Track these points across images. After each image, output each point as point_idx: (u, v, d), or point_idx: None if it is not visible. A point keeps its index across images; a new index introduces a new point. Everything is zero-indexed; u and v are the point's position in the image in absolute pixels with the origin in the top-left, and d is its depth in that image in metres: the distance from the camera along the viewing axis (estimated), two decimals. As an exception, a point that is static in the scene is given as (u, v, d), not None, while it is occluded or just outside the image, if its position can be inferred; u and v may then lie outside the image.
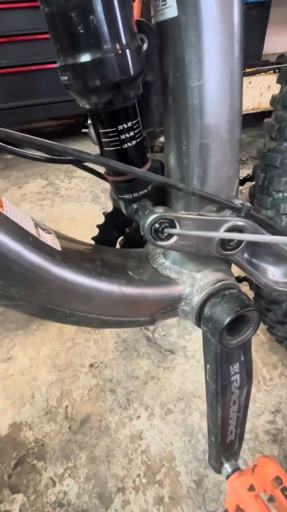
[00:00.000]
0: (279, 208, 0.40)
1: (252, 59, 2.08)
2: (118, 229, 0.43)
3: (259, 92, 1.85)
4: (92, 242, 0.43)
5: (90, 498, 0.64)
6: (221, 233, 0.31)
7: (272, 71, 1.87)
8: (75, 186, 1.81)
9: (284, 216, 0.40)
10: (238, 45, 0.29)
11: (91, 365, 0.88)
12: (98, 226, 0.43)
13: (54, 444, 0.72)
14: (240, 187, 0.55)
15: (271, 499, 0.38)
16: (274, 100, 0.41)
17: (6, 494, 0.65)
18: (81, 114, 2.24)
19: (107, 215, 0.42)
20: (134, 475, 0.67)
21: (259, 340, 0.90)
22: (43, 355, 0.91)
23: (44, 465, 0.69)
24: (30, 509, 0.63)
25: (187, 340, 0.93)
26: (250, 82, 1.80)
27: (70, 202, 1.66)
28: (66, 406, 0.79)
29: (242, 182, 0.48)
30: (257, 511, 0.39)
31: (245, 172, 1.04)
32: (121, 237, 0.44)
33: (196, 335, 0.94)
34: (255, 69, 1.97)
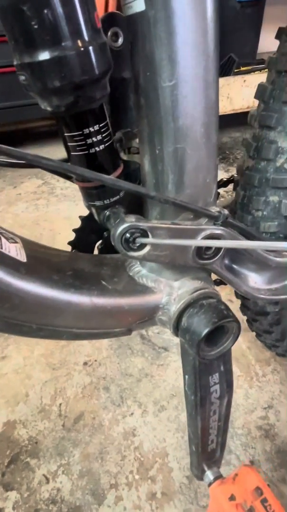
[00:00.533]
0: (259, 226, 0.38)
1: (247, 57, 2.04)
2: (95, 234, 0.42)
3: (253, 90, 1.79)
4: (69, 248, 0.41)
5: (83, 495, 0.65)
6: (195, 241, 0.30)
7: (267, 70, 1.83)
8: (71, 186, 1.78)
9: (264, 234, 0.39)
10: (212, 43, 0.26)
11: (85, 363, 0.88)
12: (75, 230, 0.41)
13: (48, 441, 0.73)
14: (224, 189, 0.53)
15: (251, 510, 0.38)
16: (251, 117, 0.39)
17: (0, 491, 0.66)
18: None
19: (84, 219, 0.41)
20: (127, 471, 0.68)
21: (252, 337, 0.89)
22: (38, 354, 0.92)
23: (37, 463, 0.70)
24: (24, 506, 0.64)
25: (181, 336, 0.93)
26: (244, 81, 1.75)
27: (65, 201, 1.64)
28: (60, 404, 0.80)
29: (226, 183, 0.46)
30: (238, 520, 0.39)
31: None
32: (99, 242, 0.42)
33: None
34: (249, 67, 1.93)
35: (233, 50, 1.90)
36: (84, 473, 0.68)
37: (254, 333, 0.89)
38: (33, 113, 1.93)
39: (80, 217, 0.41)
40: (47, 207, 1.61)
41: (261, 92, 0.37)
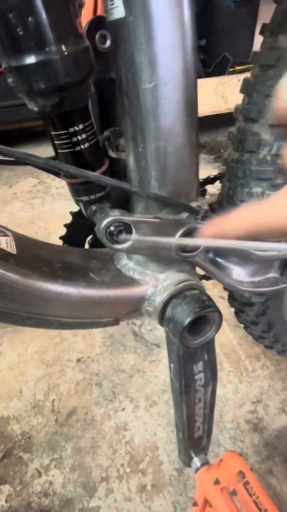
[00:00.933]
0: None
1: (242, 57, 2.06)
2: (86, 229, 0.43)
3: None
4: (60, 242, 0.43)
5: (75, 488, 0.66)
6: (174, 239, 0.31)
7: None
8: (66, 185, 1.80)
9: None
10: (190, 47, 0.28)
11: (78, 360, 0.89)
12: (66, 226, 0.43)
13: (40, 436, 0.74)
14: (211, 185, 0.55)
15: (234, 492, 0.39)
16: (236, 111, 0.40)
17: (-7, 485, 0.67)
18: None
19: (75, 215, 0.42)
20: (118, 464, 0.69)
21: (243, 333, 0.91)
22: (32, 351, 0.93)
23: (30, 457, 0.71)
24: (16, 499, 0.65)
25: (173, 333, 0.94)
26: (239, 80, 1.78)
27: (61, 200, 1.65)
28: (53, 400, 0.81)
29: (213, 180, 0.48)
30: (221, 504, 0.41)
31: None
32: (90, 237, 0.44)
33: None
34: (244, 67, 1.96)
35: (227, 50, 1.92)
36: (76, 467, 0.69)
37: (244, 330, 0.91)
38: (29, 112, 1.94)
39: (71, 212, 0.42)
40: (43, 206, 1.62)
41: (245, 86, 0.39)
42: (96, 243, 0.44)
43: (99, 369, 0.86)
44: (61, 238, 0.43)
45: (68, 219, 0.44)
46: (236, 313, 0.58)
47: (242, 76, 1.79)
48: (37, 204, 1.65)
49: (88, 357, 0.90)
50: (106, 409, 0.78)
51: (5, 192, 1.80)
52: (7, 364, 0.90)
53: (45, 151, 2.29)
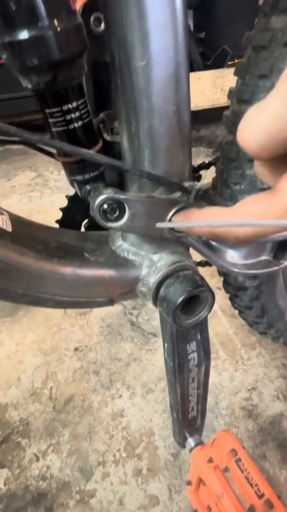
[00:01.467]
0: (237, 199, 0.40)
1: (241, 50, 2.04)
2: (82, 212, 0.44)
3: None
4: (57, 225, 0.43)
5: (72, 472, 0.67)
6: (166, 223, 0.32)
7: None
8: (65, 178, 1.78)
9: None
10: (181, 25, 0.28)
11: (76, 349, 0.90)
12: (62, 209, 0.43)
13: (38, 422, 0.75)
14: (206, 171, 0.55)
15: (226, 469, 0.40)
16: (230, 94, 0.41)
17: (-9, 469, 0.68)
18: None
19: (70, 198, 0.43)
20: (115, 449, 0.70)
21: (239, 323, 0.92)
22: (30, 340, 0.94)
23: (28, 442, 0.72)
24: (15, 482, 0.66)
25: (170, 323, 0.95)
26: None
27: (59, 193, 1.65)
28: (51, 388, 0.82)
29: (208, 165, 0.48)
30: (214, 481, 0.42)
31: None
32: (86, 220, 0.44)
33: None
34: None
35: (227, 42, 1.91)
36: (73, 452, 0.70)
37: (240, 320, 0.92)
38: (29, 105, 1.93)
39: (67, 196, 0.43)
40: (41, 199, 1.62)
41: (239, 68, 0.39)
42: (92, 227, 0.44)
43: (97, 357, 0.87)
44: (57, 221, 0.44)
45: None
46: (231, 299, 0.59)
47: (241, 69, 1.78)
48: (36, 197, 1.65)
49: (86, 346, 0.90)
50: (103, 396, 0.79)
51: (4, 185, 1.80)
52: (5, 353, 0.90)
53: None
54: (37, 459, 0.69)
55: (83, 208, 0.44)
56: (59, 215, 0.45)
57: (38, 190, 1.70)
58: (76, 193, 0.43)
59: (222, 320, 0.94)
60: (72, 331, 0.95)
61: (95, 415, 0.76)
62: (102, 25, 0.39)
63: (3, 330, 0.97)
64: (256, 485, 0.39)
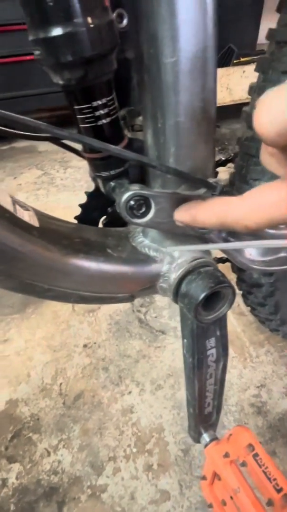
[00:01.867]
0: None
1: (247, 48, 2.04)
2: (100, 209, 0.44)
3: (253, 81, 1.82)
4: (75, 221, 0.44)
5: (83, 466, 0.68)
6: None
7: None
8: (70, 176, 1.80)
9: None
10: (211, 21, 0.28)
11: (85, 346, 0.91)
12: (81, 205, 0.44)
13: (49, 418, 0.76)
14: (223, 168, 0.55)
15: (243, 464, 0.41)
16: (251, 89, 0.41)
17: (3, 463, 0.69)
18: None
19: (89, 194, 0.43)
20: (125, 445, 0.71)
21: (247, 321, 0.92)
22: (39, 337, 0.94)
23: (39, 437, 0.73)
24: (26, 476, 0.67)
25: (178, 321, 0.95)
26: (244, 72, 1.76)
27: (65, 191, 1.65)
28: (61, 384, 0.82)
29: (225, 162, 0.48)
30: (231, 476, 0.42)
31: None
32: (104, 217, 0.44)
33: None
34: (249, 58, 1.94)
35: (232, 41, 1.91)
36: (84, 447, 0.71)
37: (249, 317, 0.92)
38: (32, 104, 1.93)
39: (86, 192, 0.43)
40: (47, 197, 1.62)
41: (261, 64, 0.39)
42: (110, 224, 0.44)
43: (106, 354, 0.88)
44: (76, 217, 0.44)
45: (73, 209, 0.45)
46: (244, 296, 0.59)
47: (247, 68, 1.78)
48: (42, 195, 1.65)
49: (95, 343, 0.91)
50: (113, 393, 0.79)
51: (10, 183, 1.80)
52: (14, 349, 0.91)
53: (47, 144, 2.28)
54: (49, 454, 0.70)
55: (102, 205, 0.44)
56: (65, 213, 0.45)
57: (44, 188, 1.70)
58: (95, 190, 0.43)
59: (230, 318, 0.95)
60: (80, 328, 0.96)
61: (105, 411, 0.76)
62: (125, 21, 0.39)
63: (12, 327, 0.98)
64: (274, 479, 0.39)
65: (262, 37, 2.24)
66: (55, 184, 1.74)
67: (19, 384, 0.83)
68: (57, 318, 0.99)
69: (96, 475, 0.67)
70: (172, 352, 0.87)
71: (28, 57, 1.76)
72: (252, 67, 1.77)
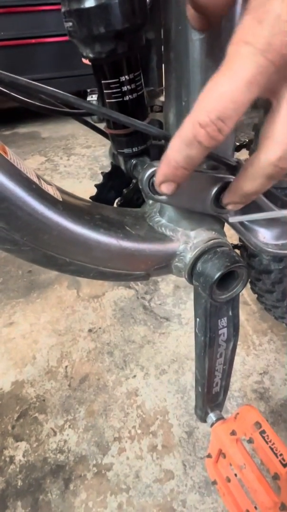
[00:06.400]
0: None
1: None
2: (116, 189, 0.44)
3: None
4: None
5: (89, 446, 0.69)
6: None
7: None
8: (74, 163, 1.79)
9: (275, 190, 0.41)
10: None
11: (90, 330, 0.92)
12: (97, 186, 0.44)
13: (54, 399, 0.77)
14: (237, 153, 0.55)
15: (250, 441, 0.42)
16: None
17: (10, 442, 0.70)
18: (79, 91, 2.16)
19: (106, 175, 0.43)
20: (130, 426, 0.72)
21: (251, 310, 0.94)
22: (44, 321, 0.95)
23: (45, 418, 0.74)
24: (33, 454, 0.68)
25: (182, 309, 0.97)
26: None
27: (69, 178, 1.65)
28: (66, 366, 0.83)
29: (239, 148, 0.49)
30: (236, 452, 0.43)
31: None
32: (119, 198, 0.45)
33: (190, 304, 0.97)
34: None
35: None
36: (89, 428, 0.72)
37: (252, 306, 0.93)
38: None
39: (102, 173, 0.43)
40: (51, 185, 1.62)
41: None
42: (124, 204, 0.45)
43: (111, 339, 0.89)
44: (91, 198, 0.45)
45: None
46: (252, 283, 0.60)
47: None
48: (45, 182, 1.65)
49: (100, 328, 0.92)
50: (117, 376, 0.81)
51: (13, 170, 1.79)
52: (20, 332, 0.92)
53: (52, 129, 2.26)
54: (55, 433, 0.71)
55: (118, 186, 0.45)
56: None
57: (48, 175, 1.69)
58: (112, 170, 0.44)
59: (233, 307, 0.96)
60: (85, 313, 0.97)
61: (110, 394, 0.78)
62: (147, 1, 0.39)
63: (17, 310, 0.99)
64: (281, 454, 0.40)
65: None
66: (58, 171, 1.73)
67: (25, 366, 0.84)
68: (62, 303, 1.00)
69: (101, 455, 0.68)
70: (176, 338, 0.88)
71: (34, 40, 1.73)
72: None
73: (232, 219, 0.34)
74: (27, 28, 1.68)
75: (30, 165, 1.81)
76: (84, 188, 1.54)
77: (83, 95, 2.23)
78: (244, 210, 0.39)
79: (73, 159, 1.84)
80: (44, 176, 1.71)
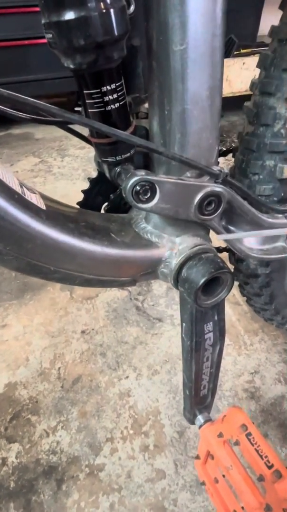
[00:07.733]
0: (255, 189, 0.42)
1: (247, 40, 2.01)
2: (103, 195, 0.44)
3: (253, 73, 1.80)
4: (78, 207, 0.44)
5: (81, 447, 0.70)
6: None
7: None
8: (68, 165, 1.78)
9: (259, 197, 0.42)
10: (220, 11, 0.29)
11: (83, 332, 0.92)
12: (83, 191, 0.44)
13: (47, 401, 0.78)
14: (224, 158, 0.56)
15: (236, 443, 0.43)
16: (253, 85, 0.41)
17: (3, 443, 0.71)
18: (73, 92, 2.14)
19: (92, 181, 0.43)
20: (122, 427, 0.73)
21: (242, 310, 0.94)
22: (37, 322, 0.95)
23: (38, 419, 0.74)
24: (26, 456, 0.69)
25: (174, 309, 0.97)
26: (243, 63, 1.73)
27: (62, 180, 1.64)
28: (59, 368, 0.84)
29: (225, 153, 0.49)
30: (224, 454, 0.44)
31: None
32: (106, 203, 0.45)
33: (184, 304, 0.98)
34: (249, 50, 1.91)
35: (233, 32, 1.88)
36: (82, 429, 0.73)
37: (244, 307, 0.94)
38: (30, 90, 1.89)
39: (89, 178, 0.43)
40: (45, 185, 1.61)
41: (262, 61, 0.40)
42: (111, 210, 0.45)
43: (103, 340, 0.89)
44: (78, 203, 0.45)
45: (71, 197, 0.45)
46: (240, 286, 0.60)
47: (247, 60, 1.75)
48: (39, 183, 1.64)
49: (93, 329, 0.92)
50: (110, 377, 0.81)
51: (6, 170, 1.78)
52: (13, 334, 0.92)
53: (43, 131, 2.25)
54: (47, 434, 0.72)
55: (104, 191, 0.45)
56: (63, 201, 0.45)
57: (41, 176, 1.69)
58: (98, 176, 0.44)
59: (226, 308, 0.96)
60: (78, 315, 0.97)
61: (102, 395, 0.78)
62: (132, 8, 0.39)
63: (10, 312, 0.99)
64: (266, 456, 0.41)
65: (263, 29, 2.21)
66: (52, 172, 1.73)
67: (18, 368, 0.84)
68: (55, 304, 1.00)
69: (94, 455, 0.69)
70: (169, 339, 0.89)
71: (27, 42, 1.71)
72: (252, 59, 1.75)
73: (220, 237, 0.34)
74: (20, 29, 1.66)
75: (23, 166, 1.81)
76: (78, 189, 1.53)
77: (77, 96, 2.22)
78: (232, 225, 0.39)
79: (67, 160, 1.84)
80: (37, 177, 1.71)
